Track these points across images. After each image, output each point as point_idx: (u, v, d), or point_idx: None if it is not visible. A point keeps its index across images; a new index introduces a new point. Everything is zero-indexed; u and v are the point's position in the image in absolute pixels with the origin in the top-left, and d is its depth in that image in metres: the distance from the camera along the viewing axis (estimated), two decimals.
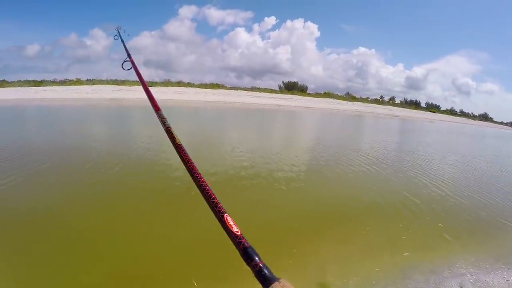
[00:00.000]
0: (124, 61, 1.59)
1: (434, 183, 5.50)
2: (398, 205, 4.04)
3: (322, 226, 3.23)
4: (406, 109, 48.26)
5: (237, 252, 0.53)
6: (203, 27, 76.38)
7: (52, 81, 42.76)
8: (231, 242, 0.55)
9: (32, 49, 61.23)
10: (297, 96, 40.84)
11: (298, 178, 4.92)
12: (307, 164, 6.09)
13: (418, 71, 68.41)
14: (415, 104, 54.03)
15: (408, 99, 54.62)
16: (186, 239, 2.79)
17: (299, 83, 47.38)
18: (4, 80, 46.17)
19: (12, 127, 10.29)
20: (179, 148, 0.77)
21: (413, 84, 69.05)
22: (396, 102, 51.55)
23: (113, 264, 2.37)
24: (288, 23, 67.07)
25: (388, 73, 67.23)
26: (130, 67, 1.56)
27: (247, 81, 71.45)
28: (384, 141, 11.69)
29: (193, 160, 0.73)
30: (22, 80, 44.39)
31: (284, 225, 3.15)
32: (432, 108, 54.41)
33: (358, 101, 45.88)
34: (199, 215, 2.92)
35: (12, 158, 5.23)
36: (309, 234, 2.98)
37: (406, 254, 2.78)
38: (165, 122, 0.89)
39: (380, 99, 50.30)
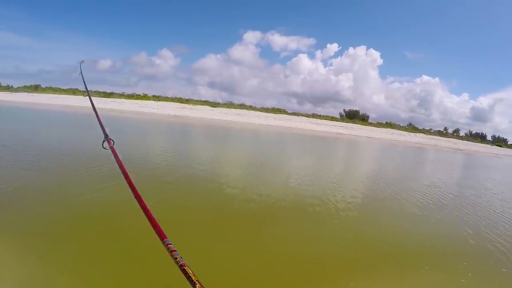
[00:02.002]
0: (103, 141, 1.52)
1: (502, 224, 4.94)
2: (460, 245, 3.82)
3: (379, 261, 3.15)
4: (471, 142, 44.55)
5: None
6: (266, 52, 77.03)
7: (121, 94, 45.49)
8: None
9: (105, 63, 66.48)
10: (358, 125, 39.32)
11: (357, 210, 4.81)
12: (367, 197, 5.88)
13: (484, 101, 62.78)
14: (480, 137, 49.70)
15: (473, 132, 50.39)
16: (245, 259, 2.86)
17: (361, 112, 45.71)
18: (77, 88, 50.06)
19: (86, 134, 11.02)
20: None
21: (478, 115, 63.22)
22: (461, 135, 47.74)
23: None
24: (351, 50, 64.03)
25: (452, 104, 62.07)
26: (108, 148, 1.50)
27: (308, 107, 70.81)
28: (449, 177, 10.99)
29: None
30: (93, 90, 47.86)
31: (341, 257, 3.14)
32: (499, 141, 49.66)
33: (420, 132, 43.04)
34: (260, 236, 3.21)
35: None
36: (365, 269, 2.93)
37: None
38: (176, 258, 0.78)
39: (444, 131, 46.81)
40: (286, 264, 2.81)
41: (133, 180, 1.13)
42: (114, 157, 1.32)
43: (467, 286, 2.85)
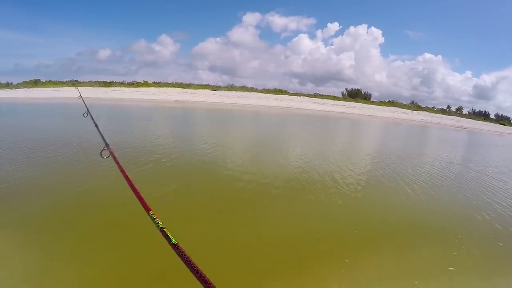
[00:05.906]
0: (102, 150, 1.57)
1: (499, 201, 4.95)
2: (455, 220, 3.91)
3: (376, 238, 3.23)
4: (474, 120, 44.31)
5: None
6: (266, 33, 74.91)
7: (121, 83, 45.32)
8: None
9: (104, 53, 65.94)
10: (360, 104, 39.01)
11: (355, 189, 4.82)
12: (365, 176, 5.88)
13: (487, 79, 61.81)
14: (483, 115, 49.30)
15: (477, 110, 49.95)
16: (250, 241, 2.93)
17: (363, 91, 45.31)
18: (77, 80, 50.04)
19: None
20: (175, 248, 0.78)
21: (481, 93, 62.34)
22: (464, 113, 47.40)
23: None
24: (352, 29, 62.99)
25: (455, 81, 61.22)
26: (108, 156, 1.55)
27: (310, 87, 68.72)
28: (450, 155, 10.97)
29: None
30: (93, 81, 47.74)
31: (337, 234, 3.22)
32: (502, 120, 49.33)
33: (423, 110, 42.80)
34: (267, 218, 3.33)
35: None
36: (362, 246, 3.01)
37: (451, 269, 2.70)
38: (158, 223, 0.87)
39: (447, 109, 46.48)
40: (283, 241, 2.94)
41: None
42: (116, 164, 1.40)
43: (457, 258, 2.90)
